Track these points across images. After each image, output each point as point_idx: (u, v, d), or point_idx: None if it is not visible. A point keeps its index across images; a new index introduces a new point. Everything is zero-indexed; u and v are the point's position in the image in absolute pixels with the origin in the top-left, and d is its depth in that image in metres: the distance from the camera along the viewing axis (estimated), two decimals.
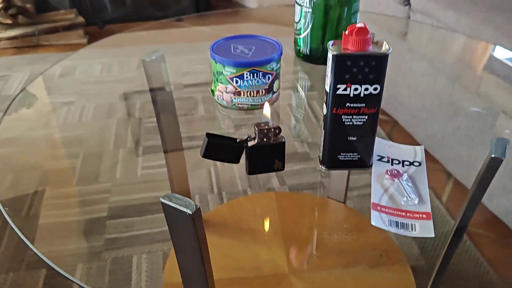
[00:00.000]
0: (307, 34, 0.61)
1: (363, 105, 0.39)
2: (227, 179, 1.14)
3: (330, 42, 0.39)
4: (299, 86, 0.70)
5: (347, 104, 0.39)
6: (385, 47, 0.38)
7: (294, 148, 1.20)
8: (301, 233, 0.71)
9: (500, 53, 0.94)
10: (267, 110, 0.41)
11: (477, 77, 1.02)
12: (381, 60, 0.37)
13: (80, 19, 2.01)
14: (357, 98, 0.39)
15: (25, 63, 1.80)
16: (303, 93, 0.70)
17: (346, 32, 0.37)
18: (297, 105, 0.70)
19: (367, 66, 0.37)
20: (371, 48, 0.38)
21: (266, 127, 0.40)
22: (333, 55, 0.37)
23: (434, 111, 1.19)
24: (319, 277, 0.63)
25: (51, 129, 1.01)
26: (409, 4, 1.31)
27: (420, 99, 1.24)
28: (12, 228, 1.04)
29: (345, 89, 0.39)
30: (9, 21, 1.86)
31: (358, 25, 0.37)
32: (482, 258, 0.93)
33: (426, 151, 1.11)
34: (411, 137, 1.21)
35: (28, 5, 1.93)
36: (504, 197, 0.97)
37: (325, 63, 0.40)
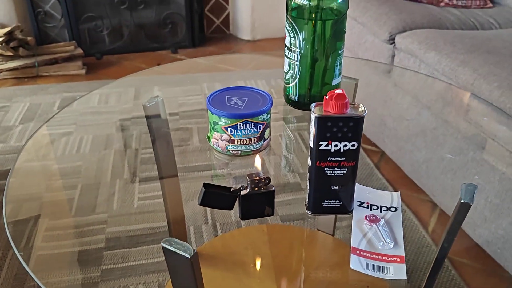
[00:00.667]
0: (295, 84, 0.67)
1: (343, 159, 0.45)
2: (221, 210, 1.17)
3: (313, 105, 0.44)
4: (287, 127, 0.75)
5: (329, 158, 0.44)
6: (361, 109, 0.43)
7: (286, 179, 1.24)
8: (291, 265, 0.74)
9: (476, 98, 1.00)
10: (258, 162, 0.46)
11: (459, 112, 1.07)
12: (358, 121, 0.43)
13: (79, 51, 2.07)
14: (337, 153, 0.44)
15: (25, 94, 1.84)
16: (290, 133, 0.75)
17: (327, 97, 0.43)
18: (287, 146, 0.74)
19: (346, 126, 0.43)
20: (349, 111, 0.43)
21: (257, 177, 0.45)
22: (315, 117, 0.43)
23: (418, 144, 1.24)
24: None
25: (49, 160, 1.04)
26: (393, 43, 1.38)
27: (406, 132, 1.29)
28: (11, 259, 1.06)
29: (326, 145, 0.44)
30: (10, 54, 1.92)
31: (337, 91, 0.42)
32: (467, 287, 0.96)
33: (412, 182, 1.15)
34: (398, 167, 1.26)
35: (29, 38, 1.99)
36: (486, 227, 1.02)
37: None
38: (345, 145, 0.44)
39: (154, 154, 0.77)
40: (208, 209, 1.17)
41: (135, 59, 2.26)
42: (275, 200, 0.48)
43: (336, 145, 0.44)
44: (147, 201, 1.19)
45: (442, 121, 1.14)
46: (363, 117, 0.43)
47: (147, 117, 0.77)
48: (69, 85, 1.95)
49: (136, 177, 1.26)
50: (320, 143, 0.44)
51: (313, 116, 0.43)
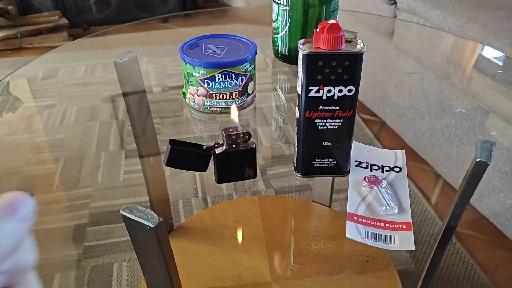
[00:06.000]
0: (285, 33, 0.58)
1: (338, 108, 0.37)
2: (211, 182, 1.11)
3: (301, 41, 0.36)
4: (278, 88, 0.67)
5: (320, 107, 0.37)
6: (359, 45, 0.36)
7: (280, 151, 1.17)
8: (284, 239, 0.69)
9: (488, 52, 0.93)
10: (234, 113, 0.39)
11: (465, 76, 1.00)
12: (355, 59, 0.35)
13: (64, 21, 1.97)
14: (330, 100, 0.36)
15: (8, 67, 1.76)
16: (282, 95, 0.67)
17: (317, 30, 0.35)
18: (277, 108, 0.67)
19: (341, 66, 0.35)
20: (345, 47, 0.35)
21: (235, 132, 0.37)
22: (303, 55, 0.35)
23: (421, 111, 1.17)
24: (303, 285, 0.60)
25: (32, 133, 0.98)
26: (395, 2, 1.29)
27: (408, 99, 1.22)
28: None
29: (317, 91, 0.36)
30: None
31: (330, 21, 0.34)
32: (473, 261, 0.91)
33: (414, 152, 1.08)
34: (399, 137, 1.19)
35: (9, 7, 1.89)
36: (493, 198, 0.96)
37: None
38: (340, 90, 0.36)
39: (133, 132, 0.69)
40: (198, 181, 1.10)
41: (124, 30, 2.16)
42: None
43: (329, 91, 0.36)
44: (134, 175, 1.13)
45: (447, 85, 1.06)
46: (361, 54, 0.35)
47: (120, 77, 0.69)
48: (54, 56, 1.86)
49: (122, 149, 1.20)
50: (310, 88, 0.36)
51: (300, 54, 0.35)
